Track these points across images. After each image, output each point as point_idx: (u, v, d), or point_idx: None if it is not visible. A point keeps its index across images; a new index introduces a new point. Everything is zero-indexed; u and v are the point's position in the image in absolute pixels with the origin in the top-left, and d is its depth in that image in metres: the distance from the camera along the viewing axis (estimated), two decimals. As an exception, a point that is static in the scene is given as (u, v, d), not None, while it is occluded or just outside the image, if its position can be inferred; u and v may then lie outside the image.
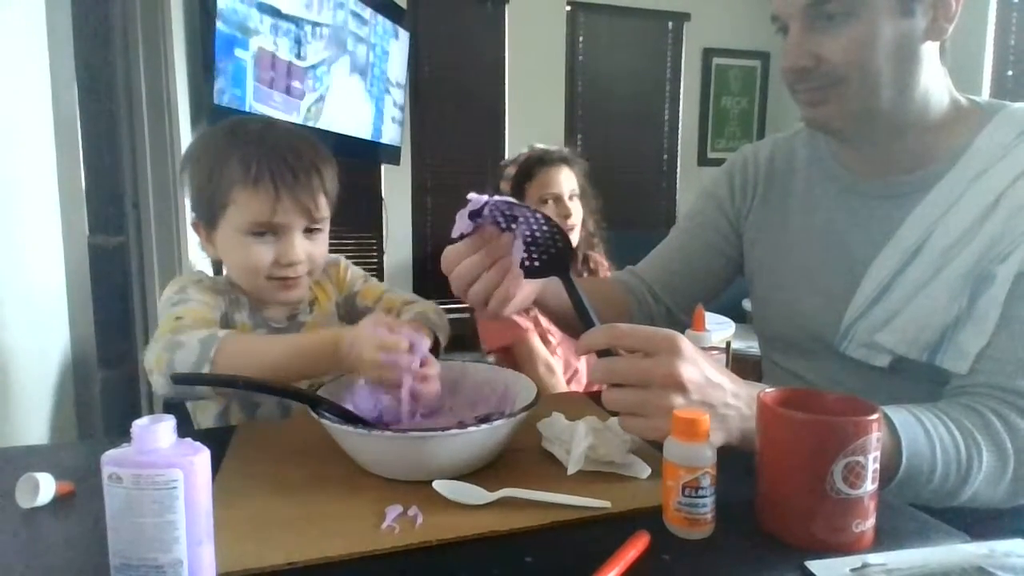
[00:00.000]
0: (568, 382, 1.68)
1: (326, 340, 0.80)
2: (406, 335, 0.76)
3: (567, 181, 1.67)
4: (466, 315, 1.12)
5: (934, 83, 0.85)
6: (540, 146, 1.76)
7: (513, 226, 0.73)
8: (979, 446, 0.71)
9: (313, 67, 2.80)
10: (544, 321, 1.66)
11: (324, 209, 0.96)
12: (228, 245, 0.95)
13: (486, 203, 0.71)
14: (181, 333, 0.82)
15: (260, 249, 0.93)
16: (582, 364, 1.72)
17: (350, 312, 1.09)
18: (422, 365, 0.77)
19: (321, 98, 2.90)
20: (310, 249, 0.96)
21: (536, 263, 0.75)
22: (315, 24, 2.77)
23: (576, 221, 1.67)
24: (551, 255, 0.74)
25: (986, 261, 0.78)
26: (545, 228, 0.73)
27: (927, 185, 0.85)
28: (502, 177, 1.78)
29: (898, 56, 0.80)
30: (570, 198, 1.67)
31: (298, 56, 2.68)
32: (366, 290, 1.09)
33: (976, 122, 0.85)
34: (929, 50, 0.82)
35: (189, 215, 1.00)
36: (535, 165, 1.68)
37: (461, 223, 0.73)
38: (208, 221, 0.96)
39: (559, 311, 0.98)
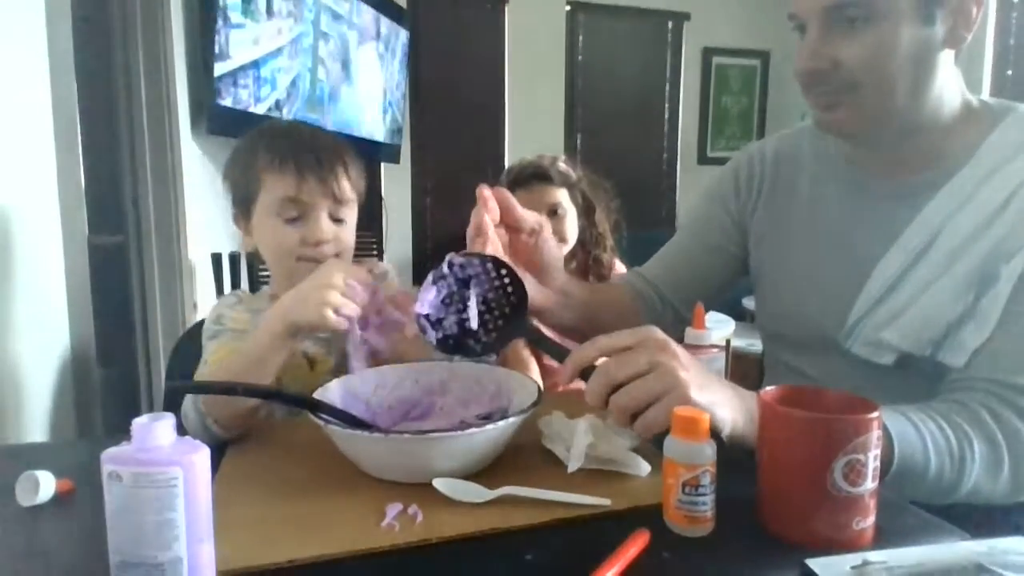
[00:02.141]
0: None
1: (275, 315, 0.81)
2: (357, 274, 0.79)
3: (541, 199, 1.62)
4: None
5: (948, 86, 0.84)
6: (527, 158, 1.70)
7: (467, 291, 0.76)
8: (969, 437, 0.72)
9: (311, 65, 2.80)
10: (535, 321, 1.65)
11: (348, 192, 1.00)
12: (262, 230, 1.00)
13: (444, 263, 0.75)
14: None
15: (289, 230, 0.97)
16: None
17: None
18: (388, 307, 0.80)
19: (320, 97, 2.90)
20: (337, 232, 1.00)
21: (493, 334, 0.77)
22: (313, 23, 2.77)
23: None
24: (506, 315, 0.77)
25: (992, 260, 0.78)
26: (496, 283, 0.76)
27: (936, 185, 0.85)
28: None
29: (915, 63, 0.80)
30: (551, 214, 1.61)
31: (298, 55, 2.68)
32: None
33: (987, 123, 0.85)
34: (946, 56, 0.82)
35: (231, 215, 1.06)
36: (511, 188, 1.66)
37: (426, 294, 0.75)
38: (244, 211, 1.01)
39: (561, 322, 0.98)
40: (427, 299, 0.75)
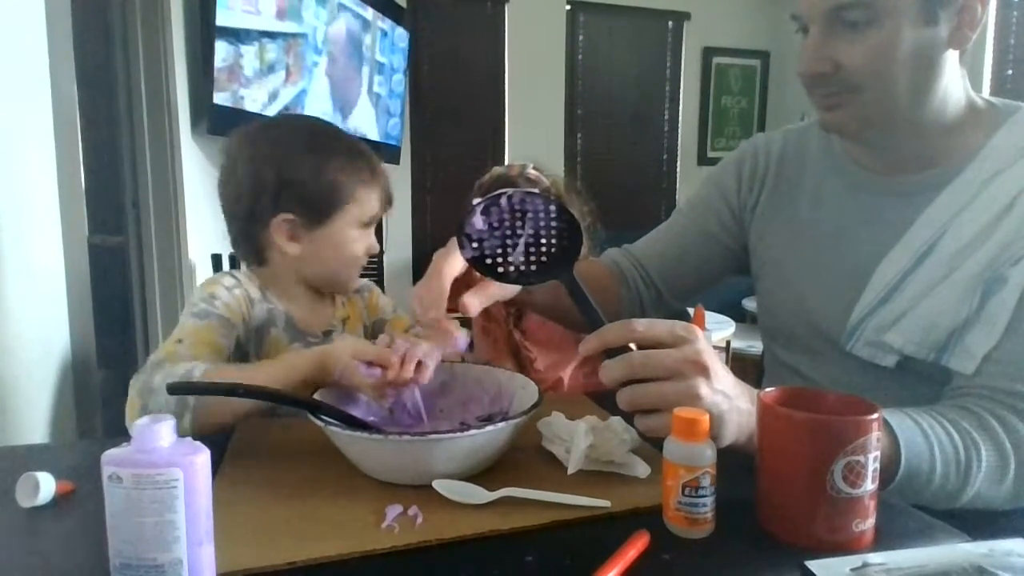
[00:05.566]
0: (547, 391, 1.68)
1: (311, 361, 0.82)
2: (398, 347, 0.79)
3: None
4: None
5: (952, 86, 0.84)
6: (498, 170, 1.70)
7: (519, 223, 0.73)
8: (977, 445, 0.71)
9: (311, 66, 2.80)
10: (518, 335, 1.65)
11: None
12: (335, 240, 1.00)
13: (501, 195, 0.71)
14: (161, 369, 0.82)
15: (361, 243, 1.03)
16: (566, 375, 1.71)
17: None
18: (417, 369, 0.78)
19: (320, 97, 2.90)
20: None
21: (533, 266, 0.74)
22: (314, 23, 2.77)
23: None
24: (552, 255, 0.74)
25: (999, 263, 0.77)
26: (554, 224, 0.73)
27: (940, 184, 0.84)
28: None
29: (918, 65, 0.79)
30: None
31: (298, 55, 2.68)
32: (395, 320, 1.14)
33: (991, 123, 0.85)
34: (950, 56, 0.81)
35: (278, 215, 0.97)
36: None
37: (476, 219, 0.73)
38: (314, 219, 0.98)
39: (546, 304, 0.97)
40: (469, 220, 0.73)
